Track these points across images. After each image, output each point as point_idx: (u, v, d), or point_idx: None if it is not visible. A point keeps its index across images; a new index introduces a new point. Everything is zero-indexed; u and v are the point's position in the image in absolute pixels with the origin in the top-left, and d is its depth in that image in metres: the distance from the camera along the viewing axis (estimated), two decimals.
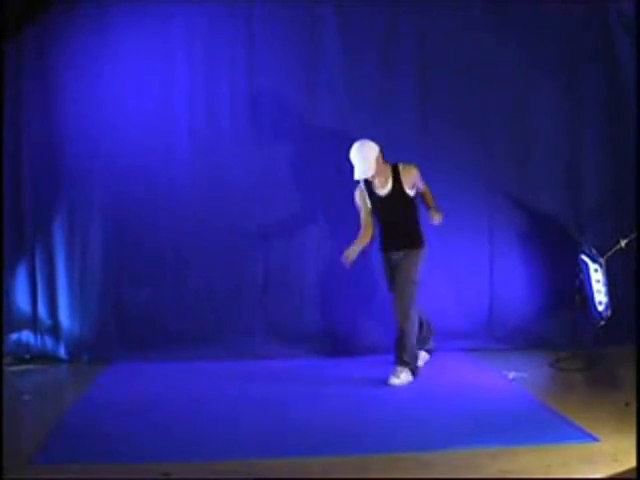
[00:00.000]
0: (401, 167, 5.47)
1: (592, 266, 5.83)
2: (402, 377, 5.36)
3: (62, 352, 6.24)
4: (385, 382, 5.34)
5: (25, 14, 5.86)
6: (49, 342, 6.25)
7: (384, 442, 4.20)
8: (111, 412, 4.87)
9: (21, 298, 6.21)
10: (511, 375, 5.56)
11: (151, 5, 6.15)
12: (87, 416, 4.83)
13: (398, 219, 5.51)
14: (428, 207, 5.54)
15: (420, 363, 5.72)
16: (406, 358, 5.40)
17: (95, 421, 4.70)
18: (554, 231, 6.42)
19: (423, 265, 5.50)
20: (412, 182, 5.46)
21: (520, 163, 6.43)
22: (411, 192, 5.48)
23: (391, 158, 6.29)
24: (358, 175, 5.37)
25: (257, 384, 5.49)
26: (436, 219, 5.42)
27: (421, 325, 5.68)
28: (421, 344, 5.77)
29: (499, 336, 6.42)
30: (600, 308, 5.79)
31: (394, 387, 5.30)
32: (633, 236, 5.71)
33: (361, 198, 5.55)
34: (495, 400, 4.99)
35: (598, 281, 5.80)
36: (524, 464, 3.83)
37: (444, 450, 4.07)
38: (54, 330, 6.24)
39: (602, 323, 5.80)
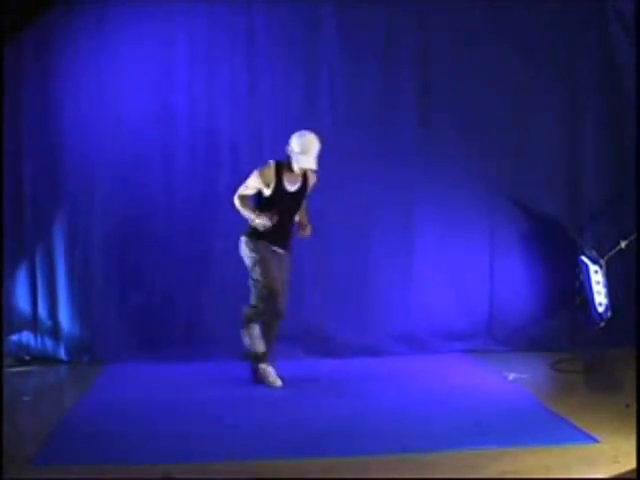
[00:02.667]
0: (309, 170, 5.36)
1: (592, 267, 5.83)
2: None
3: (62, 353, 6.24)
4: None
5: (25, 15, 5.86)
6: (49, 343, 6.25)
7: (384, 442, 4.20)
8: (111, 413, 4.87)
9: (21, 299, 6.22)
10: (511, 376, 5.56)
11: (151, 5, 6.16)
12: (87, 417, 4.83)
13: (291, 217, 5.40)
14: (301, 221, 5.43)
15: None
16: None
17: (95, 422, 4.69)
18: (554, 232, 6.42)
19: None
20: (312, 187, 5.43)
21: (520, 163, 6.44)
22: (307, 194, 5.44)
23: (391, 158, 6.31)
24: (309, 165, 5.24)
25: (257, 385, 5.48)
26: (307, 232, 5.37)
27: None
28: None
29: (499, 337, 6.42)
30: (600, 309, 5.79)
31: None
32: (633, 237, 5.71)
33: (259, 181, 5.27)
34: (495, 401, 4.99)
35: (598, 282, 5.80)
36: (524, 465, 3.82)
37: (444, 451, 4.06)
38: (54, 331, 6.24)
39: (602, 324, 5.80)
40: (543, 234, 6.46)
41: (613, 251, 5.78)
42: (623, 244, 5.74)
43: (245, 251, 5.38)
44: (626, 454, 3.83)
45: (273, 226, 5.23)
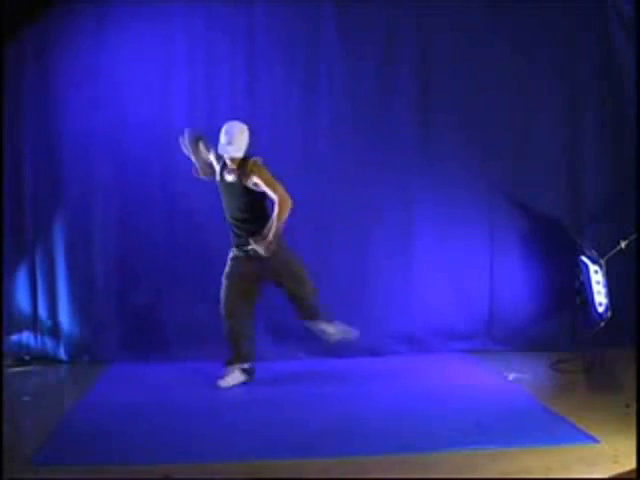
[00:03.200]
0: (249, 163, 5.24)
1: (592, 267, 5.83)
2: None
3: (62, 353, 6.25)
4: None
5: (25, 15, 5.86)
6: (49, 343, 6.25)
7: (384, 442, 4.20)
8: (111, 413, 4.87)
9: (21, 299, 6.22)
10: (511, 376, 5.57)
11: (151, 5, 6.16)
12: (87, 417, 4.83)
13: (238, 208, 5.29)
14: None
15: (233, 383, 5.46)
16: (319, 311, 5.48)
17: (95, 422, 4.70)
18: (554, 232, 6.42)
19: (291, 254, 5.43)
20: (251, 181, 5.22)
21: (520, 164, 6.43)
22: (254, 187, 5.25)
23: (391, 158, 6.31)
24: (231, 152, 5.20)
25: (257, 384, 5.49)
26: (261, 244, 5.19)
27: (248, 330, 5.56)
28: (238, 359, 5.52)
29: (499, 337, 6.42)
30: (600, 309, 5.78)
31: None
32: (633, 237, 5.71)
33: (212, 156, 5.42)
34: (495, 401, 4.99)
35: (598, 282, 5.79)
36: (524, 465, 3.83)
37: (444, 451, 4.07)
38: (54, 331, 6.24)
39: (602, 324, 5.79)
40: (543, 234, 6.46)
41: (613, 251, 5.77)
42: (623, 244, 5.74)
43: None
44: (626, 454, 3.84)
45: (228, 222, 5.35)
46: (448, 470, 3.81)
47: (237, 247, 5.39)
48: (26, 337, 6.23)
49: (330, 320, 5.49)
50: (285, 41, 6.24)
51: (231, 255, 5.45)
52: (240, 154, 5.25)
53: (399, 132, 6.31)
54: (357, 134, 6.22)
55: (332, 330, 5.49)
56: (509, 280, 6.45)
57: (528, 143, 6.41)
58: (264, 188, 5.20)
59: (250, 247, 5.27)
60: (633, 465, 3.67)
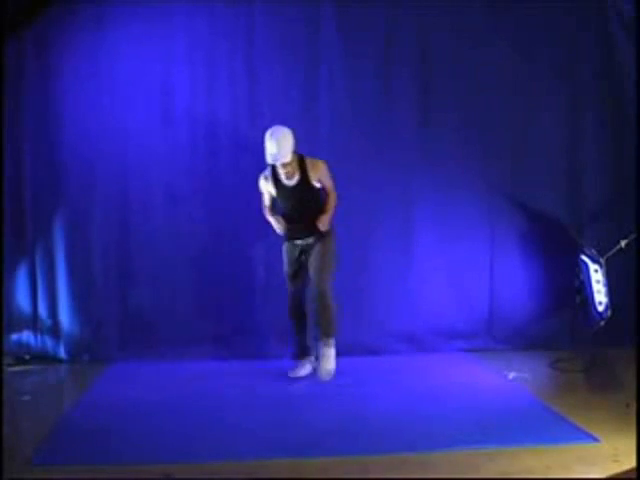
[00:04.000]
0: (307, 160, 5.51)
1: (592, 266, 5.83)
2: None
3: (62, 352, 6.25)
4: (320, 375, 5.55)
5: (25, 14, 5.86)
6: (49, 342, 6.25)
7: (384, 442, 4.20)
8: (111, 412, 4.87)
9: (21, 298, 6.22)
10: (511, 375, 5.57)
11: (151, 5, 6.16)
12: (87, 416, 4.83)
13: (304, 209, 5.55)
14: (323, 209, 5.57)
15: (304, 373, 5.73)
16: (329, 329, 5.57)
17: (95, 421, 4.70)
18: (554, 232, 6.42)
19: (335, 251, 5.64)
20: (317, 177, 5.51)
21: (520, 163, 6.43)
22: (317, 184, 5.55)
23: (391, 158, 6.31)
24: (281, 158, 5.36)
25: (257, 384, 5.49)
26: (320, 222, 5.48)
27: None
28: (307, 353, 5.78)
29: (499, 336, 6.43)
30: (600, 308, 5.79)
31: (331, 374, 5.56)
32: (633, 236, 5.71)
33: (264, 185, 5.62)
34: (495, 400, 4.99)
35: (598, 281, 5.80)
36: (524, 465, 3.83)
37: (444, 450, 4.07)
38: (54, 330, 6.25)
39: (602, 323, 5.80)
40: (543, 234, 6.46)
41: (613, 250, 5.78)
42: (623, 244, 5.74)
43: None
44: (626, 454, 3.84)
45: (289, 222, 5.55)
46: (448, 470, 3.82)
47: (292, 240, 5.63)
48: (26, 336, 6.24)
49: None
50: (285, 41, 6.24)
51: (288, 251, 5.66)
52: (289, 158, 5.40)
53: (399, 132, 6.31)
54: (357, 134, 6.22)
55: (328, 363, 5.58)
56: (509, 279, 6.45)
57: (528, 143, 6.42)
58: (324, 181, 5.55)
59: (304, 242, 5.58)
60: (633, 464, 3.67)
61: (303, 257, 5.62)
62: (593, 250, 5.88)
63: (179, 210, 6.24)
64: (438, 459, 3.96)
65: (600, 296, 5.79)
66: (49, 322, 6.25)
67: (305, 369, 5.71)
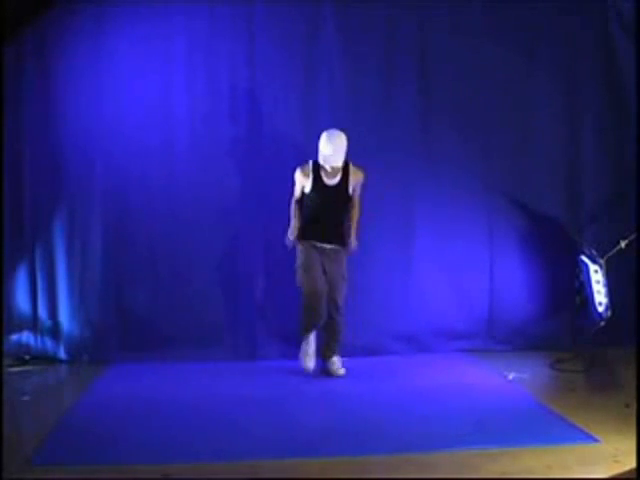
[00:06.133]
0: (351, 167, 5.63)
1: (592, 267, 5.83)
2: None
3: (62, 353, 6.25)
4: (335, 375, 5.62)
5: (25, 15, 5.86)
6: (49, 343, 6.25)
7: (384, 443, 4.20)
8: (111, 413, 4.87)
9: (21, 299, 6.21)
10: (511, 376, 5.57)
11: (151, 5, 6.15)
12: (87, 417, 4.83)
13: (334, 211, 5.62)
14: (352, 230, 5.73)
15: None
16: (339, 348, 5.72)
17: (95, 422, 4.70)
18: (554, 232, 6.42)
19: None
20: (355, 183, 5.63)
21: (520, 164, 6.43)
22: (351, 191, 5.65)
23: (391, 157, 6.31)
24: (334, 162, 5.48)
25: (257, 385, 5.50)
26: (352, 240, 5.69)
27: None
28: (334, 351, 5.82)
29: (499, 337, 6.42)
30: (600, 309, 5.79)
31: (342, 375, 5.65)
32: (633, 237, 5.71)
33: (302, 179, 5.62)
34: (495, 401, 4.99)
35: (598, 282, 5.80)
36: (524, 465, 3.83)
37: (444, 451, 4.07)
38: (54, 331, 6.24)
39: (602, 324, 5.80)
40: (543, 234, 6.45)
41: (613, 251, 5.77)
42: (623, 244, 5.74)
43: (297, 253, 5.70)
44: (626, 454, 3.84)
45: (314, 222, 5.58)
46: (448, 470, 3.81)
47: (311, 240, 5.61)
48: (26, 337, 6.23)
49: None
50: (285, 41, 6.24)
51: (306, 251, 5.63)
52: (342, 162, 5.53)
53: (399, 132, 6.31)
54: (357, 134, 6.20)
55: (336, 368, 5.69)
56: (509, 280, 6.45)
57: (528, 143, 6.42)
58: (357, 190, 5.68)
59: (322, 245, 5.59)
60: (633, 465, 3.67)
61: (322, 262, 5.63)
62: (593, 250, 5.88)
63: (179, 210, 6.23)
64: (438, 459, 3.96)
65: (600, 296, 5.79)
66: (49, 323, 6.25)
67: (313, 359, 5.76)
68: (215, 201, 6.26)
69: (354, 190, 5.65)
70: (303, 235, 5.65)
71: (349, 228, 5.71)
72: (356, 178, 5.63)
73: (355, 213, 5.71)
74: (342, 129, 6.07)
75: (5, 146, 5.94)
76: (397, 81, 6.32)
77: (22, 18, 5.83)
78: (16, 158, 6.11)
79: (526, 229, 6.47)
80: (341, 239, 5.66)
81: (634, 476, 3.58)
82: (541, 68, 6.38)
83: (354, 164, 5.65)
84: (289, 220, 5.69)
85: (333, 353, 5.71)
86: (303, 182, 5.62)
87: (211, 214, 6.26)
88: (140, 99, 6.21)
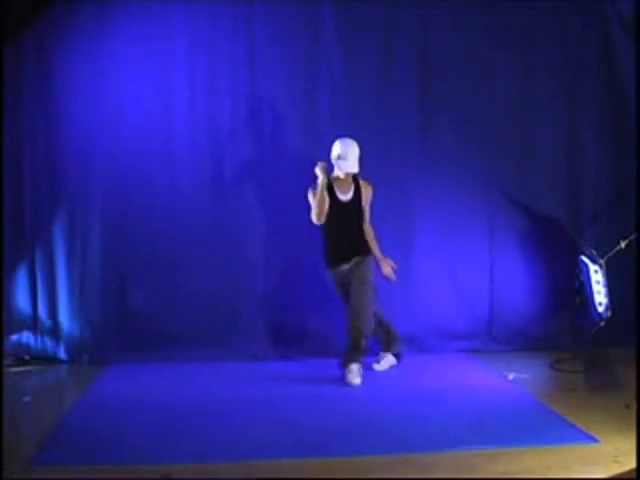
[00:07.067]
0: (361, 181, 5.68)
1: (592, 267, 5.83)
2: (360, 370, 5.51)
3: (62, 353, 6.25)
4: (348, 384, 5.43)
5: (25, 15, 5.86)
6: (49, 343, 6.25)
7: (384, 443, 4.20)
8: (111, 413, 4.87)
9: (21, 299, 6.21)
10: (511, 376, 5.56)
11: (151, 5, 6.15)
12: (87, 417, 4.83)
13: (351, 226, 5.63)
14: (375, 254, 5.71)
15: (386, 367, 5.84)
16: (355, 355, 5.50)
17: (95, 422, 4.70)
18: (554, 232, 6.42)
19: (374, 272, 5.63)
20: (366, 197, 5.69)
21: (520, 164, 6.43)
22: (364, 205, 5.70)
23: (391, 157, 6.31)
24: (349, 167, 5.53)
25: (257, 385, 5.49)
26: (387, 269, 5.70)
27: (382, 328, 5.77)
28: (387, 348, 5.86)
29: (499, 337, 6.42)
30: (600, 309, 5.79)
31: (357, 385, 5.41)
32: (633, 237, 5.71)
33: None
34: (495, 401, 4.99)
35: (598, 282, 5.80)
36: (524, 465, 3.83)
37: (444, 451, 4.07)
38: (54, 331, 6.24)
39: (602, 324, 5.80)
40: (543, 234, 6.45)
41: (613, 251, 5.77)
42: (623, 244, 5.74)
43: None
44: (626, 454, 3.84)
45: (337, 244, 5.58)
46: (448, 470, 3.81)
47: (338, 266, 5.61)
48: (26, 337, 6.23)
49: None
50: (285, 40, 6.24)
51: (335, 278, 5.66)
52: (357, 169, 5.57)
53: (399, 132, 6.31)
54: (357, 133, 6.20)
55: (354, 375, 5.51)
56: (509, 280, 6.45)
57: (528, 143, 6.42)
58: (367, 205, 5.70)
59: (349, 265, 5.57)
60: (633, 465, 3.67)
61: (348, 279, 5.60)
62: (593, 251, 5.88)
63: (179, 210, 6.23)
64: (438, 459, 3.96)
65: (600, 297, 5.79)
66: (49, 323, 6.25)
67: (388, 360, 5.86)
68: (215, 202, 6.26)
69: (366, 203, 5.69)
70: (328, 261, 5.65)
71: (364, 236, 5.69)
72: (367, 192, 5.67)
73: (369, 229, 5.71)
74: (342, 129, 6.11)
75: (5, 146, 5.95)
76: (397, 81, 6.32)
77: (22, 18, 5.83)
78: (16, 158, 6.11)
79: (526, 229, 6.47)
80: (363, 249, 5.63)
81: (634, 476, 3.58)
82: (541, 68, 6.37)
83: (362, 178, 5.68)
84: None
85: (347, 361, 5.49)
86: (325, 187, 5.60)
87: (211, 214, 6.26)
88: (140, 99, 6.21)
